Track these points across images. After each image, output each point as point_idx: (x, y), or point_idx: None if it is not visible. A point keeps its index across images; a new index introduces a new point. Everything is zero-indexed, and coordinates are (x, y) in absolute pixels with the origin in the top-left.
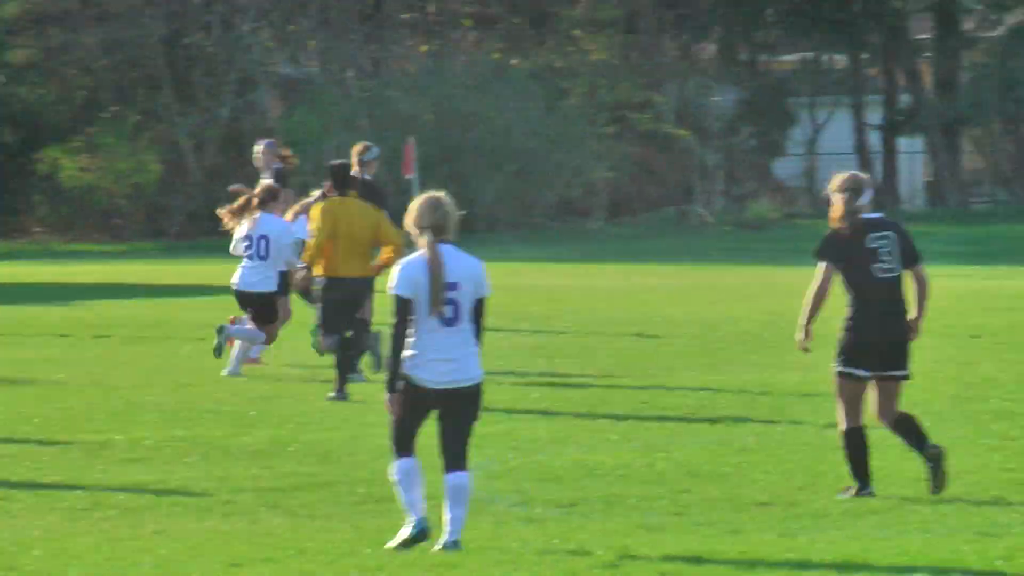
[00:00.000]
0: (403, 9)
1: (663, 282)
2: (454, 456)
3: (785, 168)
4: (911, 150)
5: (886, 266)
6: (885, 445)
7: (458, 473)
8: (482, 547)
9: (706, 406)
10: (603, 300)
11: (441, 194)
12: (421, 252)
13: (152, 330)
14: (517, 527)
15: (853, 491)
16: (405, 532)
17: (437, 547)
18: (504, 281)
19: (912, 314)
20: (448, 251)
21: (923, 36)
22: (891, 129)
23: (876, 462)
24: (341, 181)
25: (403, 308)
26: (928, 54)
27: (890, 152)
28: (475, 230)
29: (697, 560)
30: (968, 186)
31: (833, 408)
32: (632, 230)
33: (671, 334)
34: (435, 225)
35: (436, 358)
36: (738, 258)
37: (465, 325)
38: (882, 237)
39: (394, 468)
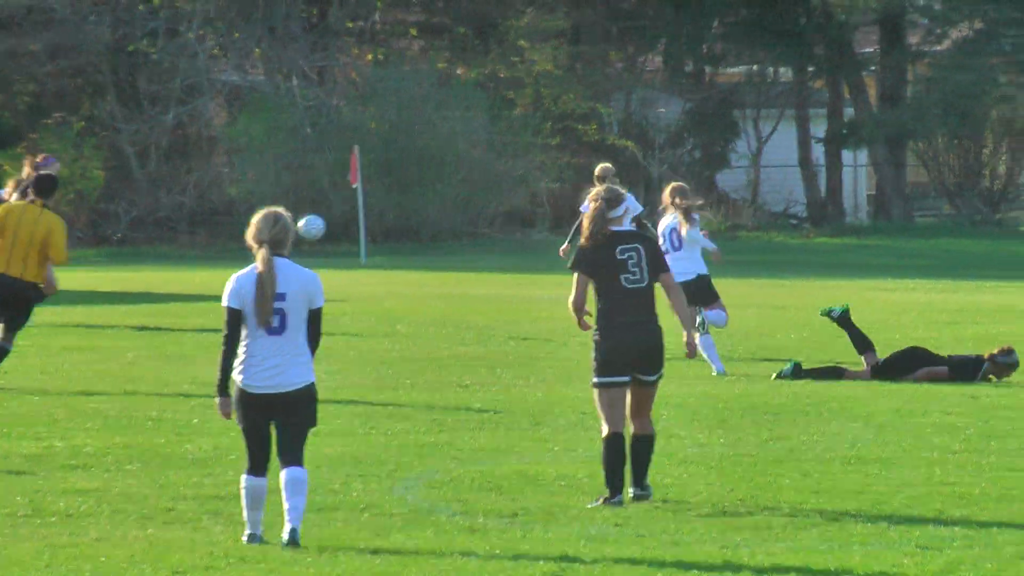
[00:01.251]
0: (348, 18)
1: None
2: (290, 455)
3: (729, 180)
4: (855, 163)
5: (634, 277)
6: (827, 458)
7: (293, 468)
8: (424, 557)
9: None
10: (545, 310)
11: (280, 209)
12: (255, 265)
13: (94, 337)
14: (459, 537)
15: (602, 500)
16: (244, 538)
17: (284, 537)
18: (448, 291)
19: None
20: (282, 264)
21: (868, 49)
22: (835, 142)
23: (819, 477)
24: (41, 189)
25: (232, 319)
26: (873, 67)
27: (834, 165)
28: (419, 240)
29: (639, 571)
30: (912, 200)
31: (777, 418)
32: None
33: None
34: (273, 239)
35: (262, 365)
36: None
37: (293, 334)
38: (631, 250)
39: (243, 480)
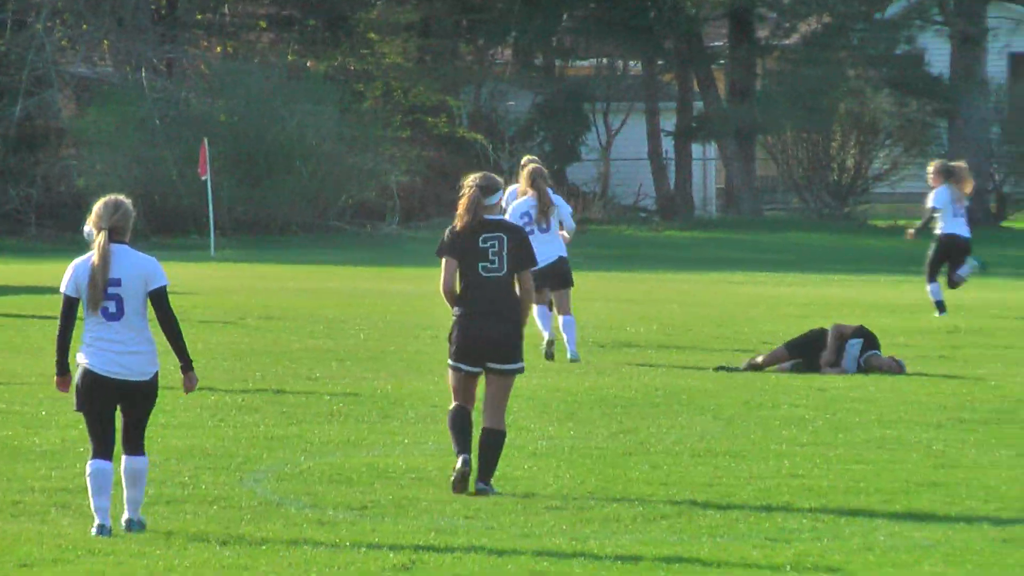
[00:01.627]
0: (198, 10)
1: None
2: (131, 442)
3: (579, 173)
4: (705, 157)
5: (492, 266)
6: (676, 450)
7: (134, 457)
8: (273, 549)
9: None
10: (396, 304)
11: (121, 197)
12: (91, 252)
13: None
14: (308, 529)
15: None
16: (92, 530)
17: (122, 527)
18: (298, 284)
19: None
20: (119, 250)
21: (718, 43)
22: (685, 136)
23: (668, 469)
24: None
25: (66, 306)
26: (722, 61)
27: (684, 159)
28: (269, 232)
29: (489, 563)
30: (761, 193)
31: (627, 411)
32: (427, 233)
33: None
34: (113, 226)
35: (104, 350)
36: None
37: (132, 319)
38: (493, 239)
39: (87, 466)
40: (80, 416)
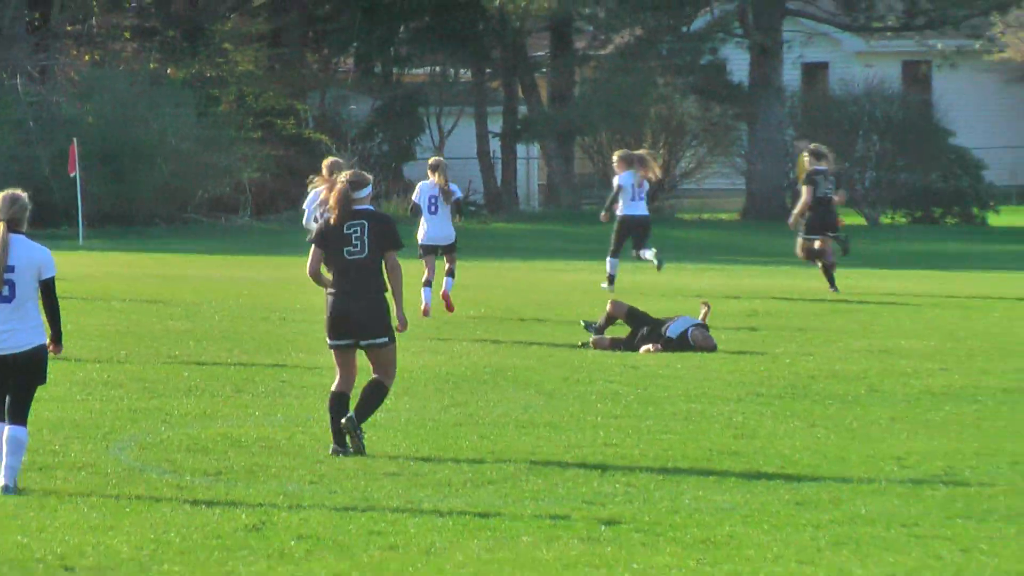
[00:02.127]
0: (68, 22)
1: (298, 273)
2: (14, 412)
3: (415, 171)
4: (528, 156)
5: (355, 250)
6: (502, 422)
7: (15, 427)
8: (136, 511)
9: None
10: (247, 289)
11: (19, 191)
12: None
13: None
14: (169, 493)
15: (331, 449)
16: None
17: None
18: (159, 271)
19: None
20: (16, 240)
21: (540, 53)
22: (510, 137)
23: (494, 439)
24: None
25: None
26: (544, 69)
27: (509, 158)
28: (134, 224)
29: (331, 521)
30: (579, 189)
31: (458, 387)
32: (276, 225)
33: (309, 320)
34: (11, 217)
35: None
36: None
37: (23, 302)
38: (355, 225)
39: None
40: None
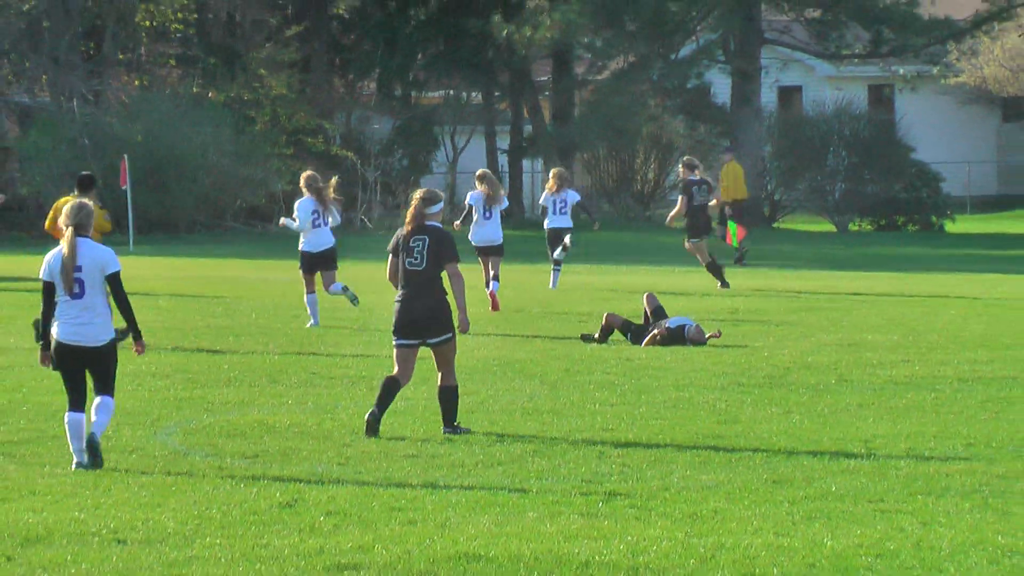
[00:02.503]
0: (119, 50)
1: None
2: (100, 388)
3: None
4: (533, 170)
5: (415, 261)
6: (510, 409)
7: (104, 396)
8: (181, 490)
9: (365, 376)
10: (281, 290)
11: (85, 199)
12: (61, 245)
13: None
14: (210, 473)
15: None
16: (72, 466)
17: (85, 439)
18: (201, 273)
19: (455, 306)
20: (83, 243)
21: (543, 78)
22: (517, 153)
23: (503, 425)
24: (82, 185)
25: (45, 289)
26: (547, 92)
27: (516, 171)
28: (178, 231)
29: (357, 500)
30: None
31: (470, 376)
32: None
33: (335, 318)
34: (77, 224)
35: (68, 322)
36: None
37: (93, 299)
38: (419, 240)
39: (66, 418)
40: (23, 380)
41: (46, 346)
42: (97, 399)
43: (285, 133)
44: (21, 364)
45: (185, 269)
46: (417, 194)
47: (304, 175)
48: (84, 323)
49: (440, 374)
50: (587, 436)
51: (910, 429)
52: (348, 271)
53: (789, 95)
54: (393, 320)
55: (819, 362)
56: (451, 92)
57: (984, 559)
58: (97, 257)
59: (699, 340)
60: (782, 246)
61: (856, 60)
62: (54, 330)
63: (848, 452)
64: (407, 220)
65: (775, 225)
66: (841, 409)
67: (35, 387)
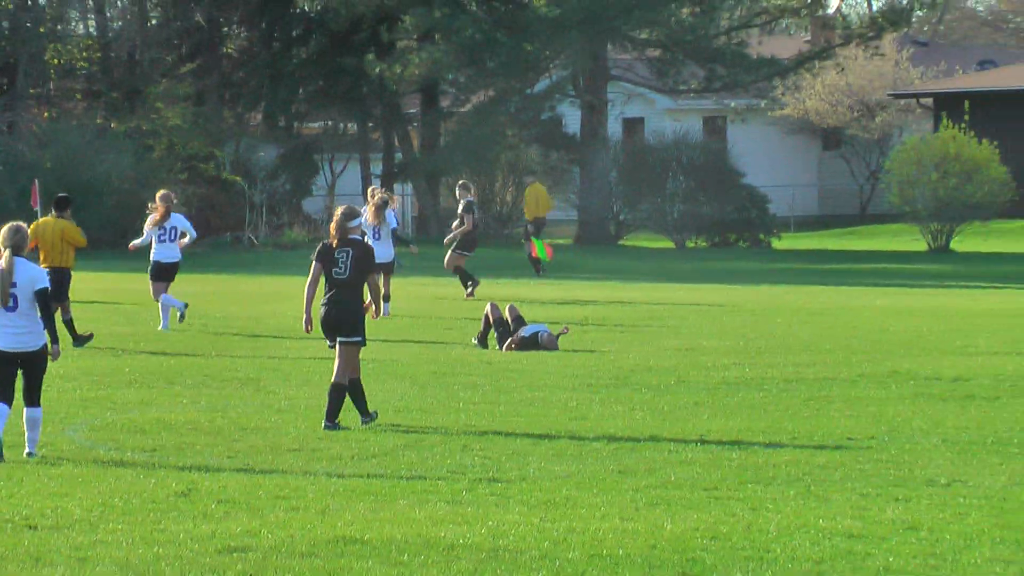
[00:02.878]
0: (31, 86)
1: (222, 288)
2: (30, 397)
3: (311, 205)
4: (404, 193)
5: (340, 271)
6: (383, 408)
7: (32, 408)
8: (87, 481)
9: (252, 378)
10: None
11: (22, 223)
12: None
13: None
14: (113, 466)
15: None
16: None
17: (25, 455)
18: (103, 285)
19: (370, 309)
20: (19, 262)
21: (412, 110)
22: (389, 177)
23: (376, 421)
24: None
25: None
26: (416, 123)
27: (389, 194)
28: (83, 250)
29: (245, 489)
30: (445, 220)
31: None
32: (201, 251)
33: (227, 325)
34: (14, 244)
35: (5, 332)
36: (274, 271)
37: (25, 310)
38: (343, 251)
39: None
40: None
41: None
42: (26, 411)
43: (180, 160)
44: None
45: (90, 282)
46: (338, 211)
47: (159, 193)
48: (19, 334)
49: (346, 371)
50: (452, 431)
51: (741, 424)
52: (238, 284)
53: (633, 126)
54: (320, 320)
55: (660, 365)
56: (330, 123)
57: (807, 540)
58: (30, 275)
59: (552, 346)
60: (626, 262)
61: (692, 94)
62: None
63: (686, 445)
64: (331, 234)
65: (620, 242)
66: (680, 407)
67: None
